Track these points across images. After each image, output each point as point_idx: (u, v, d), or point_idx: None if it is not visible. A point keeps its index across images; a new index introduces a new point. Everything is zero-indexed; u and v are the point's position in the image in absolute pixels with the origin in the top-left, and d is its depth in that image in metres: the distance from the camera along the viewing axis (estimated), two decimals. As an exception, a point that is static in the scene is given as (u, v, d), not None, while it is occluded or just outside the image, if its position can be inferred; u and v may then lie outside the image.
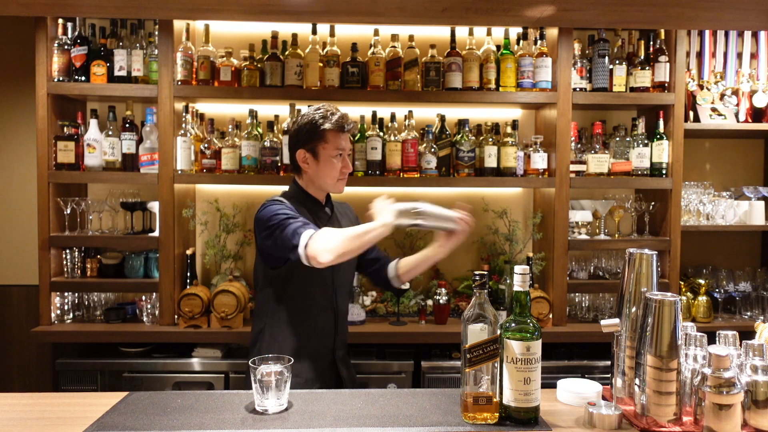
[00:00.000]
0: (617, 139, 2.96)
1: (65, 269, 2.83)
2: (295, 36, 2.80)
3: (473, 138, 2.88)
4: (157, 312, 2.78)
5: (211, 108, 3.03)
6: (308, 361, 1.93)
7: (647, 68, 2.84)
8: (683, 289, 2.97)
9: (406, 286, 2.15)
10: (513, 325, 1.42)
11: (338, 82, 2.77)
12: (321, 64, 2.78)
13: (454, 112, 3.03)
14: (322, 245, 1.70)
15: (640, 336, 1.44)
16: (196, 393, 1.64)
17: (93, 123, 2.75)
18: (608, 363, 1.71)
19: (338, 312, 2.01)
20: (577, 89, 2.83)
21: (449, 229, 1.83)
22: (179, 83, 2.71)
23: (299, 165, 1.97)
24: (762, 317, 2.92)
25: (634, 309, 1.51)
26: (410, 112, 2.85)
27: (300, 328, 1.95)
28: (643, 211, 2.95)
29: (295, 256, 1.74)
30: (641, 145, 2.86)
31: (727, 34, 3.15)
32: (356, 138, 2.83)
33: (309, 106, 2.00)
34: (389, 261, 2.11)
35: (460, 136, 2.84)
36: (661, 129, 2.86)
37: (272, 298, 1.96)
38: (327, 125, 1.92)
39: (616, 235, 3.00)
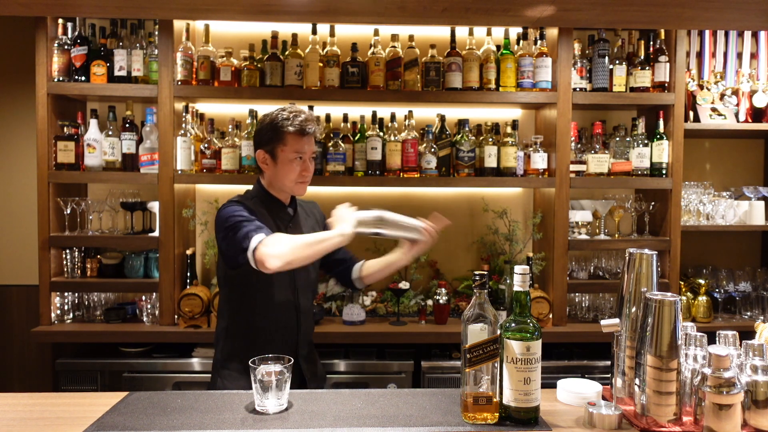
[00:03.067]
0: (617, 139, 2.96)
1: (65, 269, 2.83)
2: (295, 36, 2.80)
3: (473, 138, 2.88)
4: (157, 312, 2.78)
5: (211, 108, 3.03)
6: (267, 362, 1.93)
7: (647, 68, 2.84)
8: (683, 289, 2.97)
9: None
10: (513, 325, 1.42)
11: (338, 82, 2.77)
12: (321, 64, 2.78)
13: (454, 112, 3.03)
14: (271, 251, 1.70)
15: (640, 336, 1.43)
16: (196, 393, 1.64)
17: (93, 123, 2.75)
18: (608, 363, 1.71)
19: (300, 310, 1.98)
20: (577, 89, 2.83)
21: (412, 238, 1.87)
22: (179, 83, 2.71)
23: (259, 165, 1.97)
24: (762, 317, 2.92)
25: (634, 309, 1.51)
26: (410, 112, 2.85)
27: (260, 325, 1.94)
28: (643, 211, 2.95)
29: (244, 259, 1.75)
30: (641, 145, 2.86)
31: (727, 34, 3.15)
32: (356, 138, 2.83)
33: (280, 107, 1.96)
34: (355, 262, 2.11)
35: (460, 136, 2.84)
36: (661, 129, 2.86)
37: (232, 296, 1.95)
38: (287, 127, 1.91)
39: (616, 235, 3.00)
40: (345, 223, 1.79)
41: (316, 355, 2.13)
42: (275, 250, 1.70)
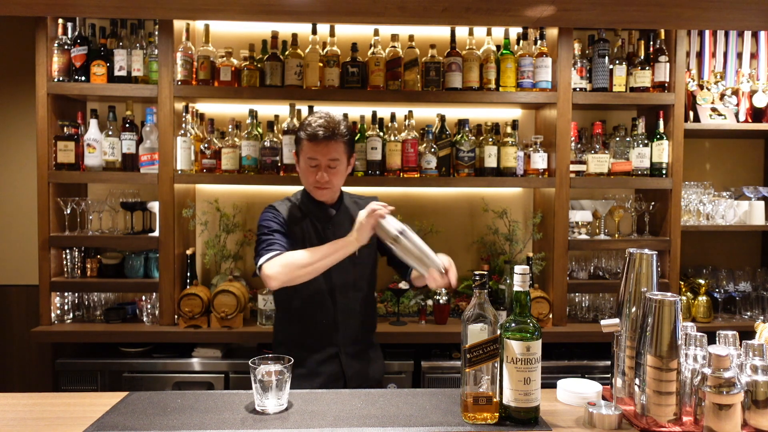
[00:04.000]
0: (617, 139, 2.96)
1: (65, 269, 2.83)
2: (295, 36, 2.80)
3: (473, 138, 2.88)
4: (157, 312, 2.78)
5: (211, 108, 3.03)
6: (310, 353, 1.97)
7: (647, 68, 2.84)
8: (683, 289, 2.97)
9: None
10: (513, 325, 1.42)
11: (338, 82, 2.77)
12: (321, 64, 2.78)
13: (454, 112, 3.03)
14: (269, 272, 1.80)
15: (640, 336, 1.44)
16: (196, 393, 1.65)
17: (93, 123, 2.75)
18: (608, 363, 1.71)
19: (339, 308, 1.98)
20: (577, 89, 2.83)
21: (419, 270, 1.75)
22: (179, 83, 2.71)
23: None
24: (762, 317, 2.92)
25: (634, 309, 1.51)
26: (410, 112, 2.85)
27: (301, 322, 1.99)
28: (643, 211, 2.95)
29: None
30: (641, 145, 2.86)
31: (727, 34, 3.15)
32: (356, 138, 2.83)
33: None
34: None
35: (460, 136, 2.84)
36: (661, 129, 2.86)
37: (278, 295, 2.02)
38: (301, 133, 1.94)
39: (616, 235, 3.00)
40: (362, 230, 1.78)
41: (373, 354, 2.09)
42: (272, 271, 1.80)
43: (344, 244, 1.80)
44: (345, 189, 2.13)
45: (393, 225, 1.74)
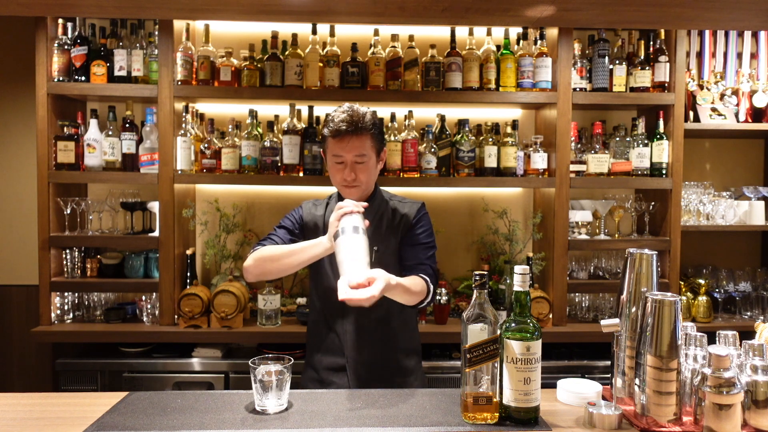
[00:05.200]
0: (617, 139, 2.96)
1: (65, 269, 2.83)
2: (295, 36, 2.80)
3: (473, 138, 2.88)
4: (157, 312, 2.78)
5: (211, 108, 3.03)
6: (322, 356, 1.93)
7: (647, 68, 2.84)
8: (683, 289, 2.97)
9: None
10: (513, 325, 1.42)
11: (338, 82, 2.77)
12: (321, 64, 2.78)
13: (454, 112, 3.03)
14: (246, 264, 1.82)
15: (640, 336, 1.43)
16: (196, 393, 1.64)
17: (93, 123, 2.75)
18: (608, 363, 1.71)
19: (347, 315, 1.88)
20: (577, 89, 2.83)
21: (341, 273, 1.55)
22: (179, 83, 2.71)
23: None
24: (762, 317, 2.92)
25: (634, 309, 1.51)
26: (410, 112, 2.85)
27: (319, 324, 1.95)
28: (643, 211, 2.95)
29: None
30: (641, 145, 2.86)
31: (727, 34, 3.15)
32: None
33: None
34: (418, 272, 1.88)
35: (460, 136, 2.84)
36: (661, 129, 2.86)
37: (309, 301, 2.05)
38: (325, 130, 1.82)
39: (616, 235, 3.00)
40: (329, 227, 1.66)
41: (399, 380, 1.89)
42: (247, 263, 1.82)
43: (316, 242, 1.74)
44: (391, 190, 2.04)
45: (347, 222, 1.59)
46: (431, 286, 1.81)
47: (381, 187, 2.00)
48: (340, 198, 1.90)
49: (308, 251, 1.75)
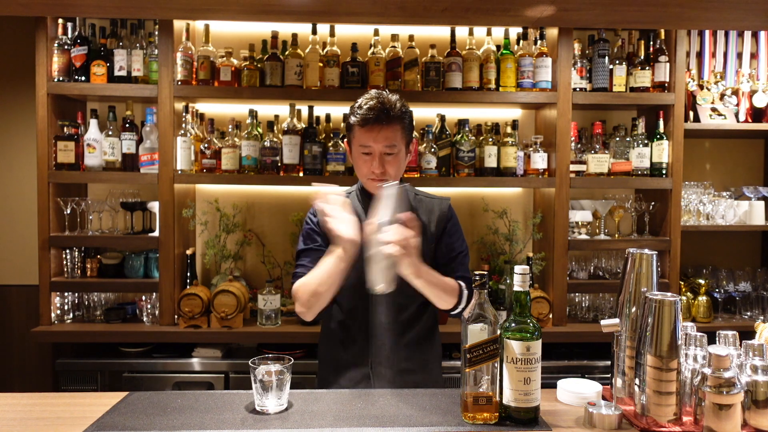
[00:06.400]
0: (617, 139, 2.96)
1: (65, 269, 2.83)
2: (295, 36, 2.80)
3: (473, 138, 2.88)
4: (157, 312, 2.78)
5: (211, 108, 3.03)
6: (342, 370, 1.82)
7: (647, 68, 2.84)
8: (683, 289, 2.97)
9: None
10: (513, 325, 1.42)
11: (338, 82, 2.77)
12: (321, 64, 2.78)
13: (454, 112, 3.03)
14: (298, 310, 1.70)
15: (640, 336, 1.43)
16: (196, 393, 1.64)
17: (93, 123, 2.75)
18: (608, 363, 1.71)
19: (374, 324, 1.78)
20: (577, 89, 2.83)
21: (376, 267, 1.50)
22: (179, 83, 2.71)
23: None
24: (762, 317, 2.92)
25: (634, 309, 1.51)
26: (410, 112, 2.85)
27: (336, 337, 1.83)
28: (643, 211, 2.95)
29: None
30: (641, 145, 2.86)
31: (727, 34, 3.15)
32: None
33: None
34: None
35: (460, 136, 2.84)
36: (661, 129, 2.86)
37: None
38: (352, 118, 1.69)
39: (616, 235, 3.00)
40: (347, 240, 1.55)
41: (409, 366, 1.83)
42: (298, 309, 1.70)
43: (332, 258, 1.61)
44: (418, 188, 1.92)
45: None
46: (465, 291, 1.73)
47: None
48: (364, 192, 1.79)
49: (336, 268, 1.60)
